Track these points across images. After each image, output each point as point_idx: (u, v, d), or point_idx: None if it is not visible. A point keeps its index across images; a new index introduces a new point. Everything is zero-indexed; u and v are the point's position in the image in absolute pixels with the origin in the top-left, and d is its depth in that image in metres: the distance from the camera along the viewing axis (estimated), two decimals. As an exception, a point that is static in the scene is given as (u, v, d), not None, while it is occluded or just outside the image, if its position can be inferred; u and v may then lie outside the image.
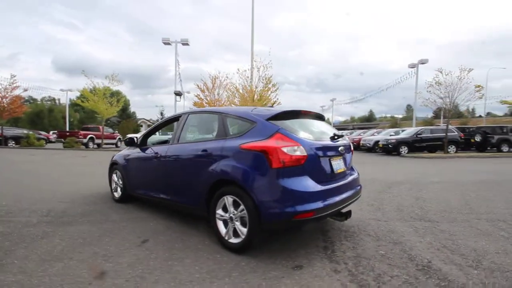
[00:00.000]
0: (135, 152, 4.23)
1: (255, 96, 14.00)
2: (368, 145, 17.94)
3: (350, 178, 3.09)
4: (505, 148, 15.37)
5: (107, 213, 3.98)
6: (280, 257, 2.59)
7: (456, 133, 15.87)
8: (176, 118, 3.90)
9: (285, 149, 2.45)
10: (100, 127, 20.98)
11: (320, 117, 3.36)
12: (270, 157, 2.45)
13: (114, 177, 4.73)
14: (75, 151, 17.97)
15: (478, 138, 16.18)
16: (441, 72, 14.21)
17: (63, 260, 2.52)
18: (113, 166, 4.75)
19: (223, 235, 2.78)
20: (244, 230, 2.61)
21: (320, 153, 2.69)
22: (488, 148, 16.68)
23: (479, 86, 13.92)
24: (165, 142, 4.76)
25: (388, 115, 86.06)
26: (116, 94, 20.54)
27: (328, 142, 2.91)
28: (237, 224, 2.67)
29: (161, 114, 56.81)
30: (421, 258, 2.62)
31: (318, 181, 2.58)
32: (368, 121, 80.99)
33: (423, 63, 19.75)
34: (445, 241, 3.05)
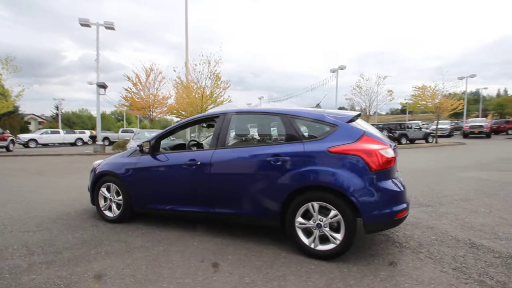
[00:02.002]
0: (145, 159, 3.49)
1: (206, 92, 13.35)
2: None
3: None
4: (403, 140, 19.48)
5: (118, 238, 3.18)
6: (368, 259, 2.66)
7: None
8: (208, 119, 3.42)
9: (382, 152, 2.52)
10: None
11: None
12: (368, 159, 2.48)
13: (105, 191, 3.78)
14: None
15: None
16: (362, 77, 16.88)
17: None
18: (102, 178, 3.78)
19: (308, 243, 2.66)
20: (337, 235, 2.56)
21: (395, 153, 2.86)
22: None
23: (390, 90, 17.22)
24: (179, 147, 4.13)
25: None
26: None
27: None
28: (327, 231, 2.60)
29: (57, 108, 47.19)
30: (462, 238, 3.14)
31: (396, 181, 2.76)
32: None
33: (341, 69, 22.94)
34: (458, 221, 3.73)
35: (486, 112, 43.18)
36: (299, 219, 2.69)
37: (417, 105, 18.67)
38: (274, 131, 3.14)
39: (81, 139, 27.11)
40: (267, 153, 2.82)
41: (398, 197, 2.55)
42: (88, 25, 15.77)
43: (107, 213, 3.78)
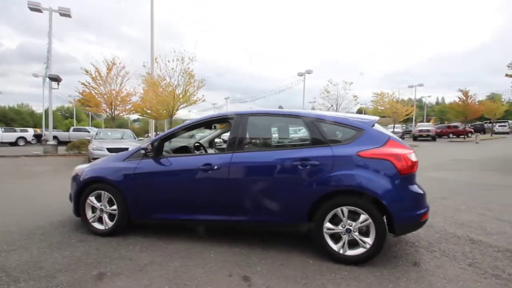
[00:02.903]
0: (148, 164, 3.12)
1: (177, 91, 12.65)
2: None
3: None
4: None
5: (120, 254, 2.78)
6: (392, 261, 2.71)
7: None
8: (221, 120, 3.19)
9: (409, 156, 2.58)
10: None
11: None
12: (398, 164, 2.53)
13: (94, 201, 3.30)
14: None
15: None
16: (330, 82, 17.75)
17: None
18: (91, 185, 3.30)
19: (336, 249, 2.61)
20: (367, 239, 2.56)
21: None
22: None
23: (355, 96, 18.36)
24: (182, 149, 3.79)
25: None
26: None
27: None
28: (357, 235, 2.58)
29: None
30: (461, 235, 3.39)
31: None
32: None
33: (308, 73, 23.86)
34: (449, 219, 4.03)
35: (429, 118, 48.69)
36: (327, 225, 2.64)
37: (377, 110, 20.18)
38: (295, 134, 3.05)
39: (23, 138, 23.83)
40: (294, 157, 2.72)
41: (422, 200, 2.65)
42: (39, 10, 13.91)
43: (97, 225, 3.30)
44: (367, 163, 2.57)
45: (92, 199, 3.31)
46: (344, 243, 2.61)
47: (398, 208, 2.51)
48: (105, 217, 3.27)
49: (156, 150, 3.11)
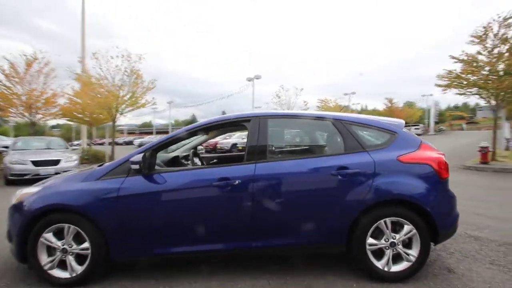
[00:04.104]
0: (138, 182, 2.34)
1: (121, 92, 11.01)
2: (225, 147, 19.20)
3: None
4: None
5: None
6: (428, 270, 2.56)
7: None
8: (233, 123, 2.61)
9: (444, 159, 2.48)
10: None
11: None
12: (437, 168, 2.41)
13: (52, 239, 2.33)
14: None
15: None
16: (282, 88, 18.18)
17: None
18: (46, 217, 2.33)
19: (381, 266, 2.33)
20: (411, 252, 2.35)
21: None
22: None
23: (305, 101, 19.18)
24: (174, 161, 3.02)
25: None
26: None
27: None
28: (401, 248, 2.35)
29: None
30: (462, 233, 3.49)
31: None
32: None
33: (257, 78, 24.09)
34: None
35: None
36: (370, 240, 2.34)
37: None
38: (323, 139, 2.69)
39: None
40: (330, 165, 2.35)
41: (456, 204, 2.57)
42: None
43: (57, 272, 2.33)
44: (409, 168, 2.39)
45: (48, 236, 2.33)
46: (388, 258, 2.35)
47: (440, 214, 2.39)
48: (71, 260, 2.33)
49: (149, 163, 2.36)
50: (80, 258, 2.35)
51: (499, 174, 9.11)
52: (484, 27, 10.01)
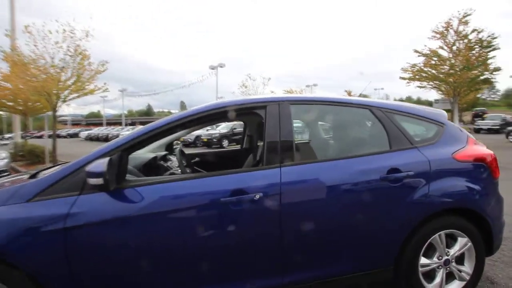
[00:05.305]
0: (98, 203, 1.47)
1: (63, 76, 9.11)
2: (189, 140, 18.02)
3: None
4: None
5: None
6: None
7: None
8: (245, 109, 1.87)
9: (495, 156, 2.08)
10: None
11: None
12: (492, 166, 2.03)
13: None
14: None
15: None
16: (249, 77, 17.43)
17: None
18: None
19: (434, 292, 1.85)
20: (464, 268, 1.95)
21: None
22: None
23: (272, 91, 18.61)
24: (151, 165, 2.15)
25: (166, 110, 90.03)
26: None
27: None
28: (454, 266, 1.91)
29: None
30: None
31: None
32: (147, 115, 79.79)
33: (221, 67, 22.86)
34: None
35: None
36: (422, 260, 1.85)
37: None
38: (362, 132, 2.09)
39: None
40: (378, 167, 1.77)
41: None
42: None
43: None
44: (465, 168, 1.96)
45: None
46: (441, 280, 1.90)
47: (496, 222, 2.02)
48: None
49: (118, 172, 1.50)
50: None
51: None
52: (446, 23, 10.48)
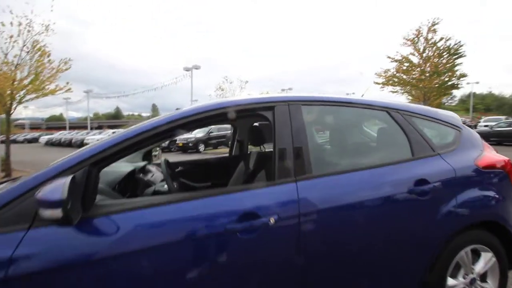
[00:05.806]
0: (55, 243, 1.06)
1: (19, 74, 8.04)
2: (162, 144, 17.21)
3: None
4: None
5: None
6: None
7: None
8: (248, 110, 1.54)
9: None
10: None
11: None
12: (510, 173, 1.89)
13: None
14: None
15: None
16: (226, 79, 17.04)
17: None
18: None
19: (462, 315, 1.66)
20: (487, 286, 1.77)
21: None
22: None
23: (250, 94, 18.36)
24: (128, 181, 1.73)
25: (136, 113, 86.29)
26: None
27: None
28: (479, 285, 1.75)
29: None
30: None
31: None
32: (116, 118, 75.74)
33: (196, 68, 22.18)
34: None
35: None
36: (449, 281, 1.64)
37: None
38: (381, 138, 1.85)
39: None
40: (404, 178, 1.53)
41: None
42: None
43: None
44: (487, 176, 1.81)
45: None
46: (469, 303, 1.69)
47: None
48: None
49: (83, 196, 1.10)
50: None
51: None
52: (417, 30, 10.98)
